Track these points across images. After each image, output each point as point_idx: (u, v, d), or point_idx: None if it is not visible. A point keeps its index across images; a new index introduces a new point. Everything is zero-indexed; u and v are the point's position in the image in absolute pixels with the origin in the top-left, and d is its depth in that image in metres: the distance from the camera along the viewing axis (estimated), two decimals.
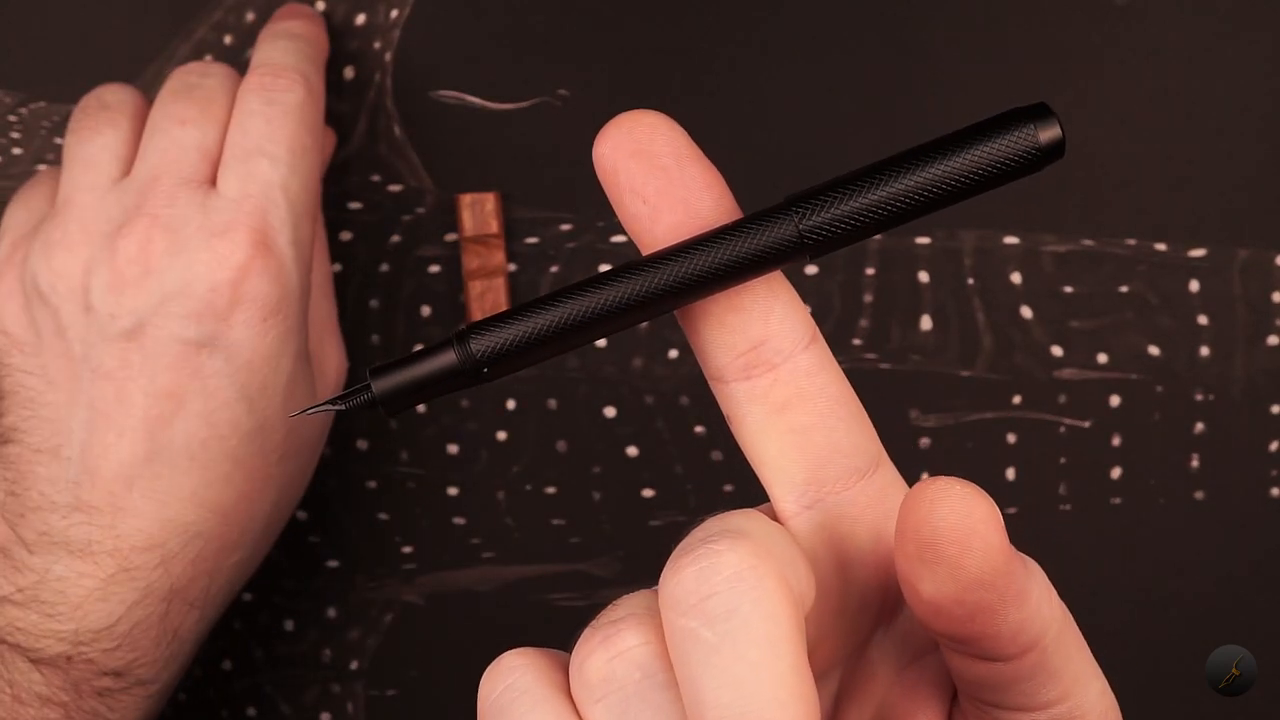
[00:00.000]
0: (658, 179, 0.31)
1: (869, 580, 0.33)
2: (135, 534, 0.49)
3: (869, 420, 0.33)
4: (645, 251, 0.32)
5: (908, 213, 0.31)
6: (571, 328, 0.32)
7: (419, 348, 0.34)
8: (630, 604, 0.30)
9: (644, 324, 0.57)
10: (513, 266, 0.57)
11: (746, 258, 0.31)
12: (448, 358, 0.32)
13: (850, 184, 0.31)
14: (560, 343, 0.32)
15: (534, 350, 0.32)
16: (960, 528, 0.29)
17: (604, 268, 0.57)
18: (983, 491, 0.29)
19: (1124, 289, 0.57)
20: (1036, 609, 0.30)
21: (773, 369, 0.32)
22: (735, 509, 0.31)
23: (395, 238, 0.57)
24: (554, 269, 0.57)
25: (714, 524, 0.29)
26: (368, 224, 0.58)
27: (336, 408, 0.33)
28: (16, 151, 0.58)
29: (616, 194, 0.32)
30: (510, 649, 0.31)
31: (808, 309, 0.33)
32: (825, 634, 0.33)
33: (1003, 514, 0.29)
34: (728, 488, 0.58)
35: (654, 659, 0.29)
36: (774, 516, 0.33)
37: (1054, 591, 0.31)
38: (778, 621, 0.27)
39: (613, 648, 0.29)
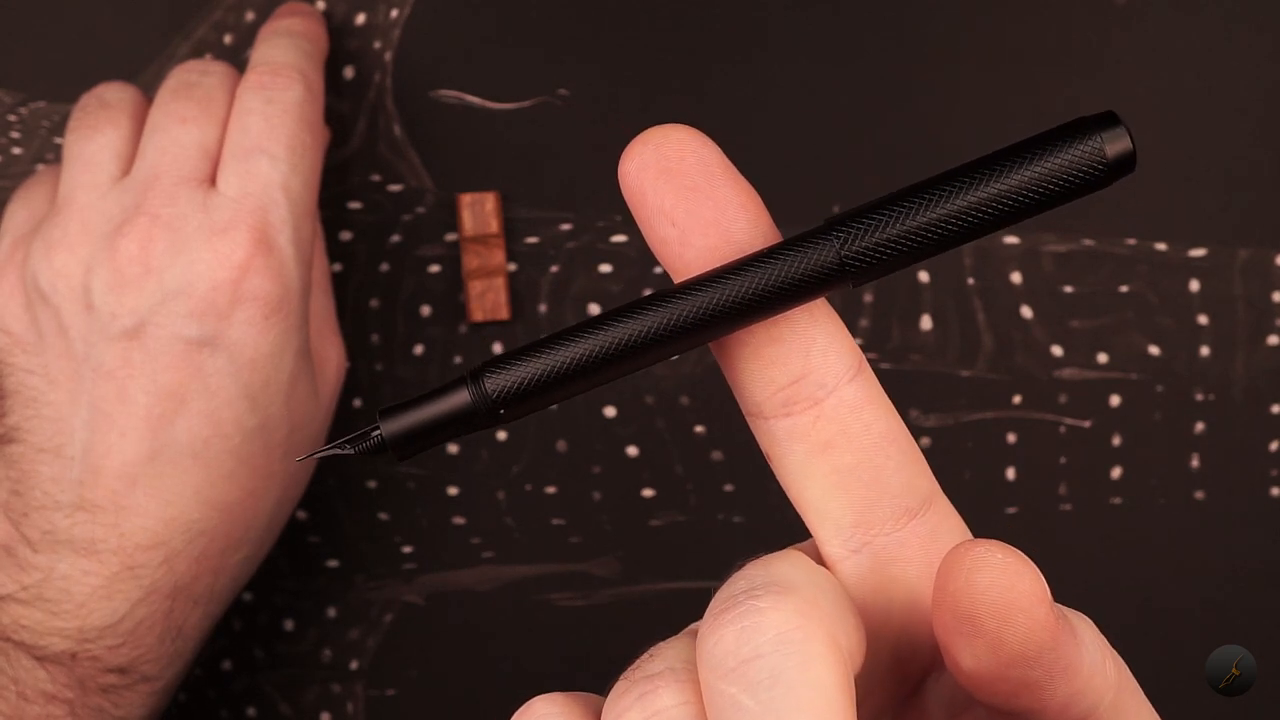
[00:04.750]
0: (687, 200, 0.29)
1: (921, 626, 0.31)
2: (139, 532, 0.49)
3: (920, 454, 0.31)
4: (676, 278, 0.30)
5: (960, 236, 0.29)
6: (595, 364, 0.29)
7: (423, 389, 0.32)
8: (667, 656, 0.28)
9: None
10: (513, 266, 0.57)
11: (784, 286, 0.29)
12: (461, 398, 0.29)
13: (897, 204, 0.29)
14: (583, 380, 0.29)
15: (555, 389, 0.29)
16: (1000, 602, 0.27)
17: (605, 268, 0.57)
18: (1025, 559, 0.27)
19: (1124, 289, 0.57)
20: (1088, 681, 0.28)
21: (815, 404, 0.30)
22: (780, 550, 0.29)
23: (395, 238, 0.57)
24: (554, 269, 0.57)
25: (757, 571, 0.27)
26: (368, 224, 0.57)
27: (344, 452, 0.30)
28: (16, 151, 0.58)
29: (644, 216, 0.30)
30: (539, 694, 0.29)
31: (853, 338, 0.31)
32: (874, 685, 0.31)
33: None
34: (728, 488, 0.58)
35: None
36: (816, 554, 0.31)
37: (1109, 654, 0.29)
38: (825, 689, 0.25)
39: (649, 706, 0.27)
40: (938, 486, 0.31)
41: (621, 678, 0.28)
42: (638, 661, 0.28)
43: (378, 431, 0.30)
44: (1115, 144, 0.28)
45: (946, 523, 0.31)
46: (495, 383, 0.29)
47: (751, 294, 0.29)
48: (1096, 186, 0.29)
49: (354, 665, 0.58)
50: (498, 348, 0.57)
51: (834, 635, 0.26)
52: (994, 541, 0.27)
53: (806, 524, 0.31)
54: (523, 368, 0.29)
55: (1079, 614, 0.29)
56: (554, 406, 0.57)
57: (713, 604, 0.27)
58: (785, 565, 0.28)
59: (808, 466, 0.30)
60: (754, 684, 0.25)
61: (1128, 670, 0.30)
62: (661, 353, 0.29)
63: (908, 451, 0.30)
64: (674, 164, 0.29)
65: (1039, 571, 0.27)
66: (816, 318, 0.30)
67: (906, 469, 0.30)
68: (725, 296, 0.29)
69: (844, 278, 0.29)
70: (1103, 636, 0.29)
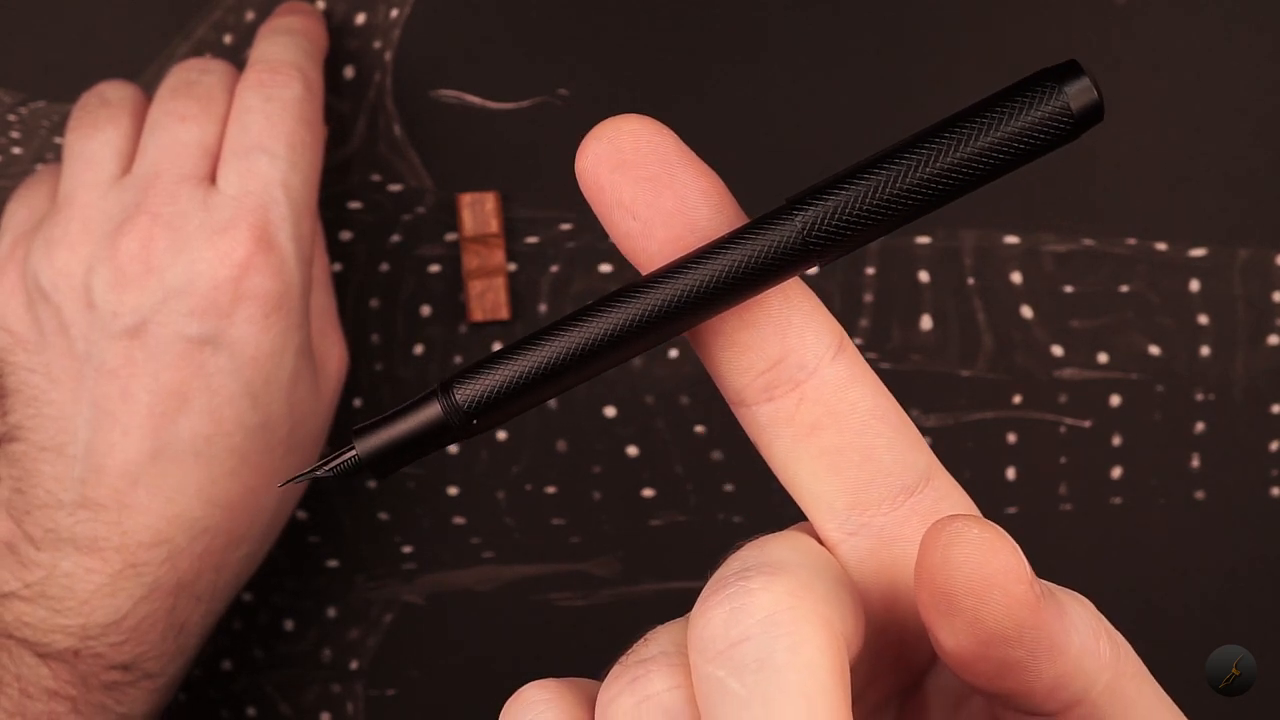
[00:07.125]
0: (646, 191, 0.28)
1: None
2: (142, 530, 0.49)
3: (914, 429, 0.30)
4: (643, 271, 0.29)
5: (926, 205, 0.28)
6: (565, 366, 0.28)
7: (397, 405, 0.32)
8: (661, 640, 0.27)
9: None
10: (513, 266, 0.57)
11: (746, 272, 0.28)
12: (433, 411, 0.29)
13: (857, 178, 0.28)
14: (555, 383, 0.28)
15: (527, 394, 0.28)
16: (975, 578, 0.26)
17: (605, 268, 0.57)
18: (1003, 534, 0.26)
19: (1124, 289, 0.57)
20: (1077, 662, 0.27)
21: (797, 387, 0.29)
22: (780, 531, 0.28)
23: (395, 238, 0.57)
24: (554, 269, 0.57)
25: (752, 553, 0.27)
26: (368, 224, 0.58)
27: (321, 474, 0.30)
28: (16, 151, 0.58)
29: (604, 211, 0.29)
30: (533, 680, 0.28)
31: (832, 317, 0.29)
32: (878, 671, 0.30)
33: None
34: (728, 487, 0.57)
35: (683, 705, 0.26)
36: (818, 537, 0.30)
37: (1104, 635, 0.28)
38: (815, 672, 0.24)
39: (639, 691, 0.26)
40: (936, 461, 0.30)
41: (618, 662, 0.27)
42: (634, 645, 0.27)
43: (353, 452, 0.29)
44: (1081, 97, 0.27)
45: (948, 499, 0.30)
46: (465, 393, 0.29)
47: (715, 282, 0.28)
48: (1064, 141, 0.27)
49: (354, 665, 0.58)
50: (497, 348, 0.57)
51: (827, 617, 0.25)
52: (972, 516, 0.26)
53: (802, 509, 0.30)
54: (493, 375, 0.29)
55: (1073, 594, 0.28)
56: (552, 404, 0.58)
57: (706, 587, 0.26)
58: (780, 546, 0.27)
59: (795, 451, 0.29)
60: (741, 667, 0.25)
61: (1132, 654, 0.29)
62: (631, 349, 0.28)
63: (899, 427, 0.29)
64: (629, 155, 0.28)
65: (1017, 547, 0.26)
66: (790, 299, 0.29)
67: (899, 445, 0.29)
68: (688, 287, 0.28)
69: (809, 257, 0.28)
70: (1101, 618, 0.28)
